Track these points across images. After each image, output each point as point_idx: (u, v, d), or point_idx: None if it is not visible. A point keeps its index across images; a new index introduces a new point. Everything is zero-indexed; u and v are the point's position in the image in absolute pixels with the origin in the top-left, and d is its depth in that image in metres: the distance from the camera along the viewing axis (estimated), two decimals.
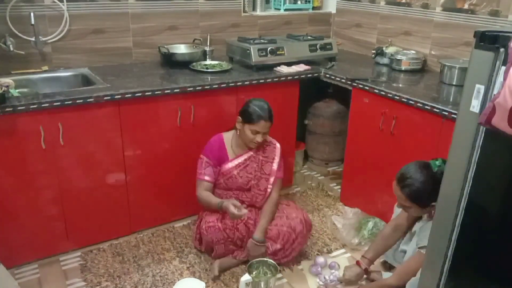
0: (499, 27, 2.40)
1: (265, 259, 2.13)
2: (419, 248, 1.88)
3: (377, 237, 2.20)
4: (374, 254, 2.16)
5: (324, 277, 2.22)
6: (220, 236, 2.21)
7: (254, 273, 2.05)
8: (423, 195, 1.79)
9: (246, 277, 1.98)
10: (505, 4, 2.43)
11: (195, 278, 2.11)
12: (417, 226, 2.02)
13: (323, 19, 3.63)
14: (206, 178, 2.29)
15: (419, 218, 2.04)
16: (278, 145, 2.39)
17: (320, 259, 2.33)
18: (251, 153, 2.32)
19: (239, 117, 2.23)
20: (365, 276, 2.19)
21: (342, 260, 2.40)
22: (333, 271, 2.28)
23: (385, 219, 2.51)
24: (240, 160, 2.31)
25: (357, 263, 2.17)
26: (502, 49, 1.14)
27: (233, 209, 2.04)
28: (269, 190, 2.32)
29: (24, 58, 2.52)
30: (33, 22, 2.40)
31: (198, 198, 2.30)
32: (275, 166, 2.35)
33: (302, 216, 2.29)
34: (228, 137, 2.34)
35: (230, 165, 2.30)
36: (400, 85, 2.57)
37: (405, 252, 2.08)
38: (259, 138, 2.21)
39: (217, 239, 2.21)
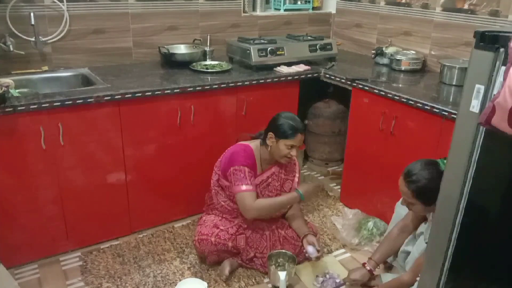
0: (499, 27, 2.41)
1: (283, 251, 2.20)
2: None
3: (384, 239, 2.19)
4: (380, 256, 2.14)
5: (323, 278, 2.22)
6: (212, 248, 2.19)
7: (273, 264, 2.14)
8: (428, 192, 1.78)
9: (283, 275, 2.05)
10: (505, 4, 2.43)
11: (196, 278, 2.12)
12: (422, 228, 2.02)
13: (323, 19, 3.63)
14: (253, 188, 2.13)
15: (425, 220, 2.03)
16: (297, 160, 2.35)
17: (310, 248, 2.19)
18: (274, 170, 2.26)
19: (272, 133, 2.14)
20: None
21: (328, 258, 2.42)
22: (327, 271, 2.28)
23: (385, 219, 2.51)
24: (263, 177, 2.25)
25: (363, 264, 2.16)
26: (502, 49, 1.13)
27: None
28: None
29: (24, 58, 2.52)
30: (33, 22, 2.40)
31: (253, 210, 2.10)
32: (295, 183, 2.32)
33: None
34: (256, 149, 2.24)
35: (255, 182, 2.21)
36: (400, 85, 2.56)
37: (407, 253, 2.07)
38: (293, 152, 2.14)
39: (209, 251, 2.20)
